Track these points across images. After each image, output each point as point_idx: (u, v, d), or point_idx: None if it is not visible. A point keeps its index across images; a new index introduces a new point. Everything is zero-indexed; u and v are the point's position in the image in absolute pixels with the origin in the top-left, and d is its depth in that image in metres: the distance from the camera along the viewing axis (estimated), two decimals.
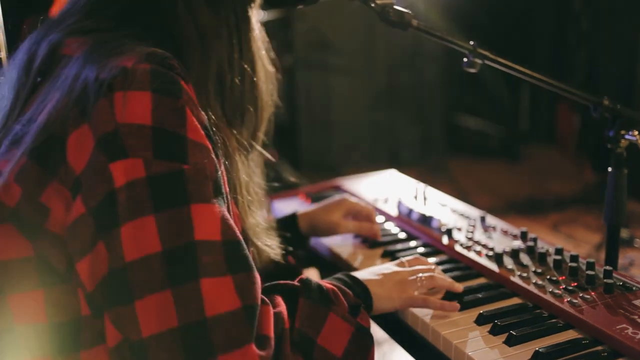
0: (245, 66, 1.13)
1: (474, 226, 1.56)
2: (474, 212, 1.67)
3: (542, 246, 1.40)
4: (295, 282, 1.10)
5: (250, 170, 1.24)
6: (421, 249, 1.52)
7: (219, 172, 0.96)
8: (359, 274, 1.23)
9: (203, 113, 0.97)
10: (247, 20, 1.12)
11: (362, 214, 1.60)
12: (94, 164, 0.87)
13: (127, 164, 0.86)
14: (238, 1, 1.09)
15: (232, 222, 0.93)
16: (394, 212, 1.71)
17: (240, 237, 0.93)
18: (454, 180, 4.77)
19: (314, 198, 1.89)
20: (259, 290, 0.92)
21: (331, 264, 1.56)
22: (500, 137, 5.55)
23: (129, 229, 0.85)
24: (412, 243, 1.56)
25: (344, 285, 1.15)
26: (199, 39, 1.04)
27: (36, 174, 0.91)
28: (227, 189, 1.02)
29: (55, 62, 1.00)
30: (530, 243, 1.40)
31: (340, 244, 1.59)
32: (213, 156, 0.95)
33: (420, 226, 1.60)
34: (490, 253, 1.39)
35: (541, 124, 5.62)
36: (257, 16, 1.18)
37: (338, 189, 1.99)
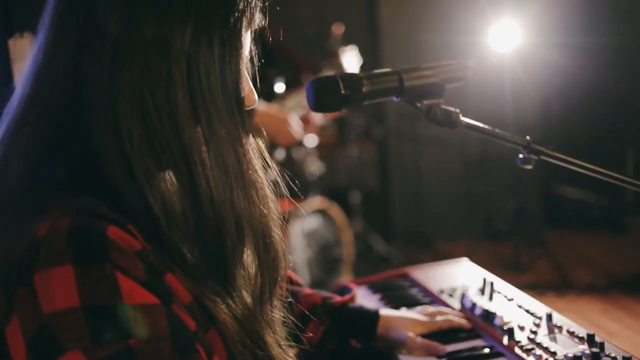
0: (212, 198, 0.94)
1: (538, 325, 1.48)
2: (541, 309, 1.59)
3: (609, 352, 1.31)
4: None
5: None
6: (481, 351, 1.45)
7: (177, 321, 0.85)
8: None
9: (139, 260, 0.84)
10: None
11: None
12: None
13: None
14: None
15: None
16: (457, 306, 1.66)
17: None
18: (550, 254, 4.58)
19: (378, 288, 1.86)
20: None
21: None
22: (603, 208, 5.30)
23: None
24: (473, 343, 1.50)
25: None
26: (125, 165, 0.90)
27: None
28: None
29: None
30: (596, 349, 1.31)
31: None
32: (163, 308, 0.83)
33: (482, 323, 1.54)
34: (551, 359, 1.31)
35: None
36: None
37: (406, 278, 1.95)
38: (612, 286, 4.33)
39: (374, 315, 1.56)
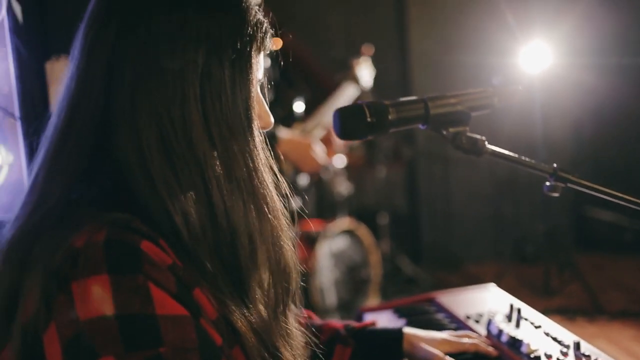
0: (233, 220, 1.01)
1: (566, 354, 1.47)
2: (569, 337, 1.57)
3: None
4: None
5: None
6: None
7: (204, 334, 0.90)
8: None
9: (171, 274, 0.90)
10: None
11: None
12: None
13: None
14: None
15: None
16: (483, 332, 1.64)
17: None
18: (581, 277, 4.51)
19: (403, 312, 1.85)
20: None
21: None
22: (636, 231, 5.21)
23: None
24: None
25: None
26: (155, 192, 0.96)
27: None
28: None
29: None
30: None
31: None
32: (191, 320, 0.89)
33: (509, 350, 1.52)
34: None
35: None
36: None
37: (432, 302, 1.94)
38: None
39: (397, 333, 1.56)
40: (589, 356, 1.47)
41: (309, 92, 4.00)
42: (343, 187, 4.55)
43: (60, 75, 2.48)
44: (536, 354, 1.45)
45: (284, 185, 1.12)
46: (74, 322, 0.83)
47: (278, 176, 1.10)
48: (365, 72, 4.08)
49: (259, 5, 1.08)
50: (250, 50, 1.03)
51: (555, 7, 4.72)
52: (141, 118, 0.96)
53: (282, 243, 1.07)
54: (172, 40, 0.97)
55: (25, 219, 0.99)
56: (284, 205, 1.11)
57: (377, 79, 4.33)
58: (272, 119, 1.13)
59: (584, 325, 4.07)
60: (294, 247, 1.12)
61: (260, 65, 1.08)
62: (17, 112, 2.56)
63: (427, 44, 5.28)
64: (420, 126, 1.27)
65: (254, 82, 1.05)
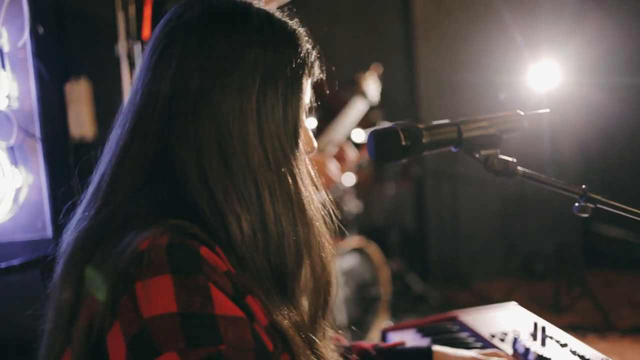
0: (281, 225, 1.08)
1: None
2: (596, 355, 1.58)
3: None
4: None
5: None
6: None
7: (259, 337, 0.95)
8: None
9: (227, 279, 0.95)
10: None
11: None
12: None
13: None
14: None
15: None
16: (510, 351, 1.66)
17: None
18: (591, 294, 4.52)
19: (427, 332, 1.86)
20: None
21: None
22: None
23: None
24: None
25: None
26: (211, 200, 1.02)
27: None
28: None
29: None
30: None
31: None
32: (248, 323, 0.93)
33: None
34: None
35: None
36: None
37: (454, 321, 1.95)
38: None
39: (426, 351, 1.57)
40: None
41: (319, 110, 4.03)
42: (352, 205, 4.57)
43: (80, 97, 2.53)
44: None
45: (327, 200, 1.20)
46: (138, 320, 0.87)
47: (321, 191, 1.19)
48: (372, 87, 4.14)
49: (307, 36, 1.17)
50: (302, 76, 1.13)
51: (564, 26, 4.76)
52: (203, 131, 1.04)
53: (324, 252, 1.15)
54: (232, 61, 1.06)
55: (88, 223, 1.04)
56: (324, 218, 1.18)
57: (385, 98, 4.37)
58: (316, 144, 1.22)
59: (595, 342, 4.07)
60: (333, 257, 1.19)
61: (308, 90, 1.16)
62: (37, 133, 2.59)
63: (435, 62, 5.32)
64: (453, 149, 1.29)
65: (303, 105, 1.15)
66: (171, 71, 1.07)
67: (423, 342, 1.83)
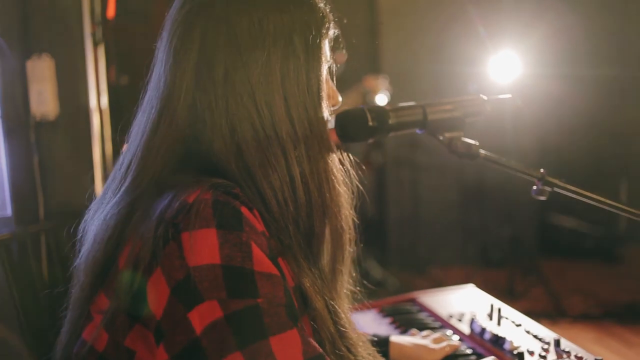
0: (311, 192, 1.15)
1: (547, 350, 1.54)
2: (549, 335, 1.64)
3: None
4: None
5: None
6: None
7: (289, 294, 1.00)
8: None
9: (264, 239, 1.01)
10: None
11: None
12: (172, 313, 0.93)
13: (203, 309, 0.92)
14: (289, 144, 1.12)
15: (309, 339, 0.98)
16: (467, 331, 1.71)
17: (320, 349, 0.99)
18: (545, 282, 4.63)
19: (389, 312, 1.91)
20: None
21: None
22: (597, 237, 5.37)
23: None
24: None
25: None
26: (248, 174, 1.09)
27: (121, 320, 0.99)
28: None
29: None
30: None
31: None
32: (281, 280, 0.99)
33: (492, 347, 1.59)
34: None
35: None
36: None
37: (414, 302, 2.00)
38: (606, 315, 4.38)
39: (384, 341, 1.61)
40: (569, 352, 1.54)
41: None
42: None
43: (43, 74, 2.51)
44: (519, 350, 1.52)
45: (346, 161, 1.28)
46: (183, 267, 0.93)
47: (340, 152, 1.26)
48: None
49: None
50: (320, 38, 1.17)
51: (525, 18, 4.85)
52: (231, 111, 1.09)
53: (346, 211, 1.24)
54: (253, 37, 1.10)
55: (123, 201, 1.09)
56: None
57: (349, 87, 4.39)
58: (340, 97, 1.27)
59: (547, 327, 4.17)
60: (352, 213, 1.29)
61: (327, 49, 1.21)
62: None
63: (399, 53, 5.36)
64: (418, 131, 1.33)
65: (324, 65, 1.19)
66: (193, 55, 1.11)
67: (384, 321, 1.87)
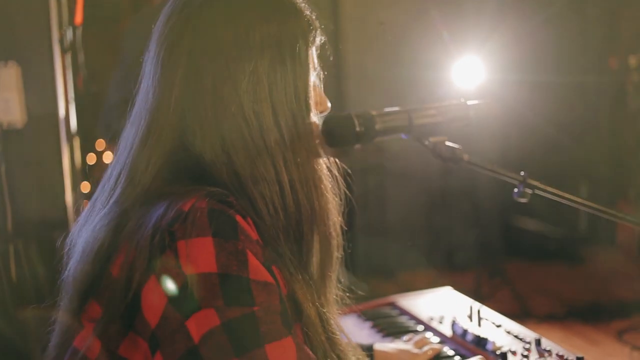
0: (300, 199, 1.15)
1: (528, 350, 1.56)
2: (529, 334, 1.67)
3: None
4: None
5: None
6: None
7: (284, 303, 1.02)
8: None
9: (259, 247, 1.02)
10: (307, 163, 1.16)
11: None
12: (169, 321, 0.94)
13: (201, 316, 0.92)
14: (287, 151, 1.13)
15: (304, 346, 1.00)
16: (448, 333, 1.73)
17: (313, 356, 1.01)
18: (511, 284, 4.71)
19: (369, 316, 1.92)
20: None
21: None
22: (559, 239, 5.47)
23: None
24: None
25: None
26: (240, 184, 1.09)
27: (114, 328, 0.98)
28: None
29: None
30: None
31: None
32: (277, 289, 1.00)
33: (475, 348, 1.61)
34: None
35: (601, 225, 5.51)
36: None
37: (393, 306, 2.01)
38: (570, 315, 4.47)
39: (367, 350, 1.62)
40: (550, 351, 1.57)
41: None
42: None
43: (9, 82, 2.48)
44: (502, 350, 1.54)
45: (334, 168, 1.29)
46: (180, 275, 0.94)
47: (328, 160, 1.26)
48: None
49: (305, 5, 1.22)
50: (307, 46, 1.18)
51: (487, 24, 4.92)
52: (221, 118, 1.09)
53: (335, 218, 1.23)
54: (240, 47, 1.11)
55: (113, 211, 1.08)
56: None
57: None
58: (329, 104, 1.28)
59: None
60: (340, 219, 1.27)
61: (314, 57, 1.23)
62: None
63: (362, 58, 5.39)
64: (403, 136, 1.34)
65: (311, 72, 1.20)
66: (182, 66, 1.11)
67: (365, 325, 1.88)
